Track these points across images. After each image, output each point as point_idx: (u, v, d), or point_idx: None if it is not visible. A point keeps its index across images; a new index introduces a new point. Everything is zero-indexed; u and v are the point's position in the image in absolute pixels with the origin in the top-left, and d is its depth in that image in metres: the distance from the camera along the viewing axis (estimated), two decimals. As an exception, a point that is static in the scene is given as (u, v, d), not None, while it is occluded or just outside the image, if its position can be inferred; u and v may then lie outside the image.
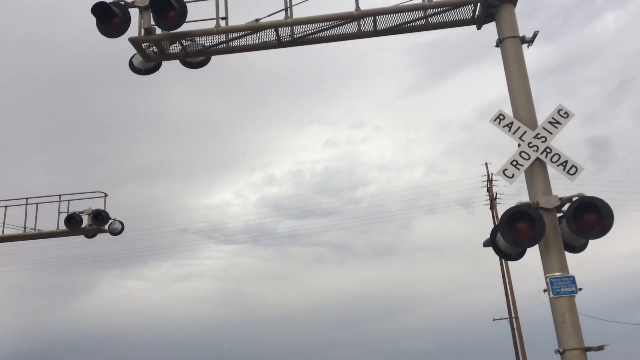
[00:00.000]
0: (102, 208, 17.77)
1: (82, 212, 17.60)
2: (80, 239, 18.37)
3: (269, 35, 9.11)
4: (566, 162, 7.74)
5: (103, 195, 18.03)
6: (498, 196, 33.16)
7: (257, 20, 8.94)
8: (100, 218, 17.64)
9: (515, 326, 30.60)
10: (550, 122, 7.96)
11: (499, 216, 7.77)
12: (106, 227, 17.86)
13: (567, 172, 7.72)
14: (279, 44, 9.26)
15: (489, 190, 33.51)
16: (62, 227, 17.58)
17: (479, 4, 8.55)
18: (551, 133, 7.89)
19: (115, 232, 17.93)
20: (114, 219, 17.92)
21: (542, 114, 8.09)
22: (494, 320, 32.39)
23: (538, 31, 8.26)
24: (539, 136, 7.87)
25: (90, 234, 18.01)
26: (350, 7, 8.76)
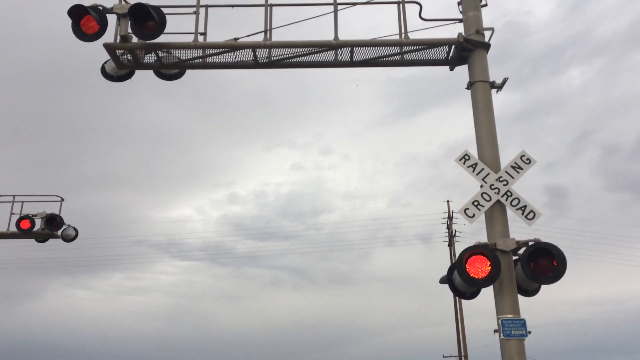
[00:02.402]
0: (57, 212, 17.26)
1: (35, 215, 17.05)
2: (31, 242, 17.76)
3: (246, 54, 9.15)
4: (525, 206, 7.94)
5: (59, 199, 17.53)
6: (457, 234, 33.71)
7: (235, 39, 8.97)
8: (54, 223, 17.11)
9: (464, 365, 30.78)
10: (512, 167, 8.18)
11: (457, 253, 7.89)
12: (59, 232, 17.33)
13: (526, 216, 7.91)
14: (255, 64, 9.30)
15: (449, 227, 34.02)
16: (13, 229, 16.98)
17: (453, 46, 8.80)
18: (513, 177, 8.11)
19: (68, 239, 17.40)
20: (68, 225, 17.42)
21: (505, 157, 8.33)
22: (443, 357, 32.59)
23: (507, 78, 8.54)
24: (501, 179, 8.07)
25: (41, 238, 17.42)
26: (329, 36, 8.89)
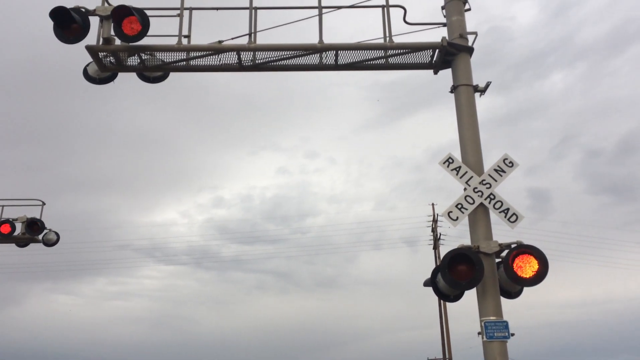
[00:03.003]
0: (38, 217, 17.04)
1: (16, 220, 16.82)
2: (11, 247, 17.51)
3: (230, 57, 9.11)
4: (508, 209, 8.00)
5: (40, 203, 17.30)
6: (442, 237, 33.90)
7: (220, 41, 8.93)
8: (35, 227, 16.89)
9: (448, 367, 30.92)
10: (495, 170, 8.24)
11: (441, 256, 7.91)
12: (40, 237, 17.10)
13: (508, 219, 7.97)
14: (239, 67, 9.27)
15: (434, 230, 34.21)
16: (-7, 233, 16.71)
17: (437, 50, 8.86)
18: (496, 180, 8.17)
19: (49, 243, 17.17)
20: (50, 229, 17.19)
21: (489, 161, 8.39)
22: (428, 360, 32.72)
23: (490, 82, 8.61)
24: (484, 182, 8.13)
25: (22, 243, 17.18)
26: (314, 39, 8.90)
